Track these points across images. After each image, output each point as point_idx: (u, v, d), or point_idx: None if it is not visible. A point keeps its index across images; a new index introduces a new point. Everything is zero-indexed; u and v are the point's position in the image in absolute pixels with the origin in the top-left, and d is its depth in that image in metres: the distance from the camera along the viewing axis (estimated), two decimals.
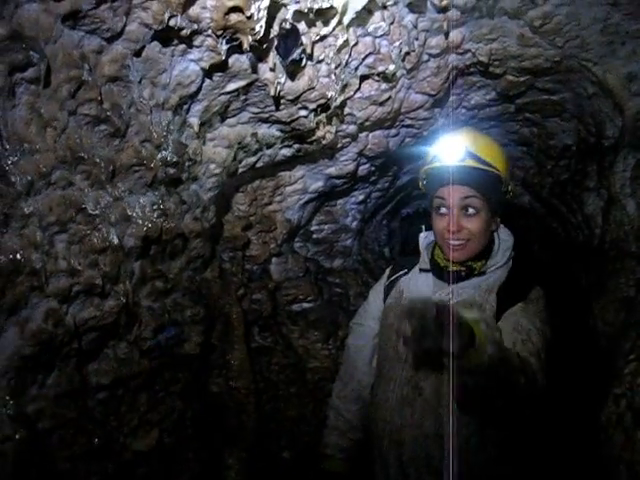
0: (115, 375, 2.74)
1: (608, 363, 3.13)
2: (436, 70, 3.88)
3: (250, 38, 2.41)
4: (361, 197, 5.58)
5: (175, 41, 2.35)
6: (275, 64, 2.73)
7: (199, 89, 2.69)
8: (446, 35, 3.52)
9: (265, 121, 3.31)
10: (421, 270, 2.61)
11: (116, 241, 2.51)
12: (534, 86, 4.35)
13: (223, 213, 3.93)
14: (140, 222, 2.68)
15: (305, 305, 4.95)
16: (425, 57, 3.73)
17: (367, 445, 2.66)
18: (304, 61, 2.93)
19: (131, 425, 2.93)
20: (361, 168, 4.76)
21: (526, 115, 4.99)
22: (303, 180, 4.47)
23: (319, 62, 3.01)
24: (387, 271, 2.83)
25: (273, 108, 3.12)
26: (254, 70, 2.75)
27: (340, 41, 2.97)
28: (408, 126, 4.48)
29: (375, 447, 2.53)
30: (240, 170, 3.67)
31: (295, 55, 2.72)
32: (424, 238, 2.67)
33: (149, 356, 2.98)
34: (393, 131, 4.49)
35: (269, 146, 3.61)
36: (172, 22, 2.22)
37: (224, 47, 2.48)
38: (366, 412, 2.69)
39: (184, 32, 2.31)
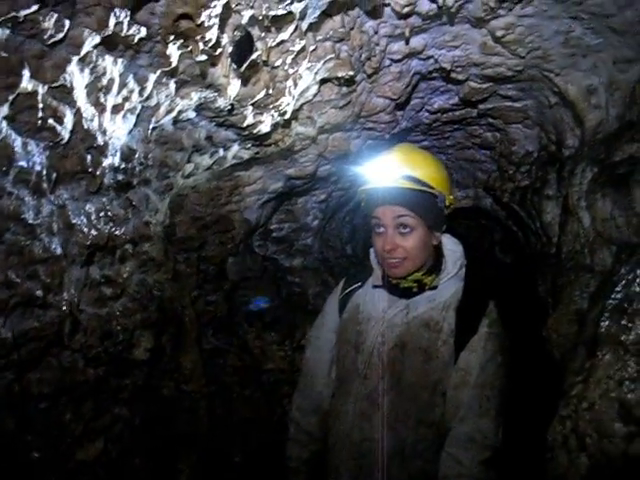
0: (58, 384, 2.65)
1: (559, 378, 3.11)
2: (398, 75, 3.82)
3: (201, 45, 2.33)
4: (322, 196, 5.52)
5: (122, 46, 2.25)
6: (229, 70, 2.65)
7: (150, 94, 2.59)
8: (407, 41, 3.46)
9: (220, 125, 3.22)
10: (374, 286, 2.57)
11: (59, 251, 2.42)
12: (497, 93, 4.33)
13: (177, 214, 3.85)
14: (85, 230, 2.59)
15: (262, 305, 4.88)
16: (387, 62, 3.67)
17: (325, 455, 2.62)
18: (260, 67, 2.85)
19: (75, 434, 2.85)
20: (321, 169, 4.69)
21: (489, 120, 4.97)
22: (262, 180, 4.39)
23: (275, 67, 2.94)
24: (341, 283, 2.78)
25: (228, 112, 3.03)
26: (207, 76, 2.66)
27: (298, 47, 2.90)
28: (370, 129, 4.42)
29: (333, 458, 2.49)
30: (195, 172, 3.58)
31: (250, 61, 2.64)
32: (374, 254, 2.62)
33: (95, 364, 2.90)
34: (354, 134, 4.42)
35: (225, 149, 3.53)
36: (118, 27, 2.13)
37: (175, 53, 2.40)
38: (326, 423, 2.66)
39: (132, 38, 2.21)
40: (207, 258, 4.33)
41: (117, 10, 2.07)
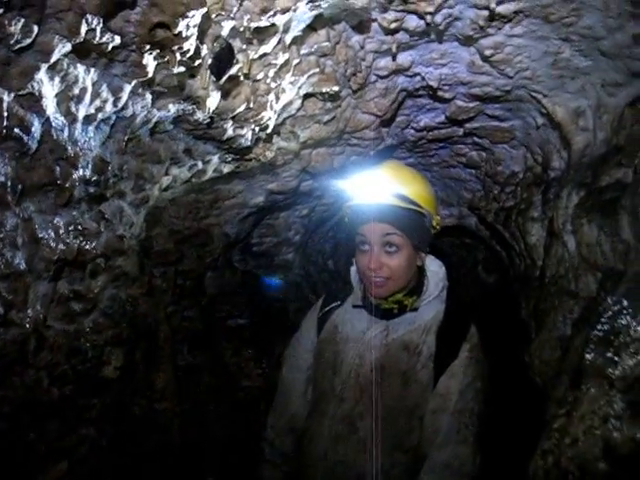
0: (21, 403, 2.53)
1: (541, 407, 3.02)
2: (384, 91, 3.73)
3: (179, 55, 2.22)
4: (305, 211, 5.42)
5: (95, 55, 2.14)
6: (208, 82, 2.54)
7: (125, 105, 2.48)
8: (394, 58, 3.37)
9: (199, 138, 3.11)
10: (354, 306, 2.48)
11: (23, 266, 2.30)
12: (484, 112, 4.25)
13: (154, 228, 3.72)
14: (52, 244, 2.46)
15: (240, 321, 4.77)
16: (373, 78, 3.58)
17: (299, 477, 2.53)
18: (241, 79, 2.74)
19: (39, 455, 2.72)
20: (304, 184, 4.59)
21: (475, 139, 4.89)
22: (243, 195, 4.28)
23: (257, 81, 2.83)
24: (319, 302, 2.70)
25: (207, 126, 2.92)
26: (185, 87, 2.55)
27: (281, 60, 2.80)
28: (354, 145, 4.32)
29: (307, 478, 2.40)
30: (174, 185, 3.47)
31: (230, 73, 2.53)
32: (356, 272, 2.53)
33: (60, 382, 2.77)
34: (338, 149, 4.32)
35: (205, 162, 3.42)
36: (90, 34, 2.01)
37: (151, 63, 2.29)
38: (300, 444, 2.56)
39: (105, 46, 2.10)
40: (184, 272, 4.20)
41: (89, 17, 1.96)
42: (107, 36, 2.08)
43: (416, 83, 3.80)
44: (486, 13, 2.91)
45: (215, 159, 3.44)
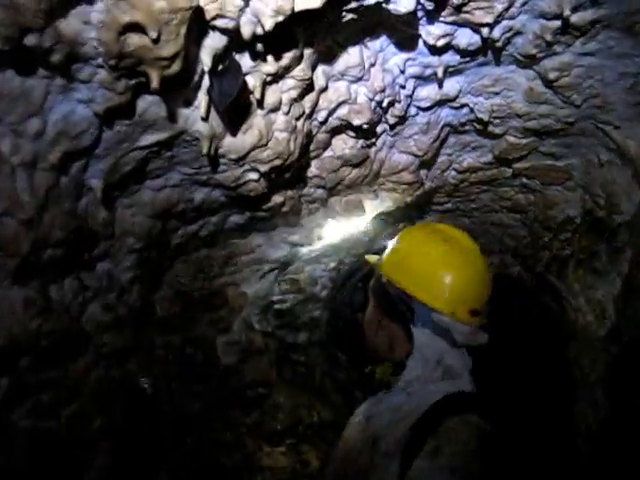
0: None
1: None
2: (425, 127, 3.11)
3: (162, 72, 1.57)
4: (332, 264, 4.76)
5: (43, 71, 1.52)
6: (208, 112, 1.90)
7: (97, 141, 1.85)
8: (440, 84, 2.73)
9: (203, 184, 2.47)
10: None
11: None
12: (537, 150, 3.63)
13: (153, 292, 3.07)
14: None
15: (261, 391, 4.07)
16: (413, 110, 2.95)
17: None
18: (252, 108, 2.10)
19: None
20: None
21: (524, 181, 4.26)
22: (262, 249, 3.65)
23: (273, 111, 2.18)
24: None
25: (210, 169, 2.28)
26: (176, 119, 1.92)
27: (302, 84, 2.15)
28: (389, 190, 3.66)
29: None
30: (175, 241, 2.83)
31: (236, 100, 1.88)
32: None
33: None
34: (370, 195, 3.67)
35: (212, 213, 2.78)
36: (30, 40, 1.38)
37: (127, 84, 1.65)
38: None
39: (55, 58, 1.47)
40: (194, 340, 3.54)
41: (26, 15, 1.32)
42: (59, 44, 1.44)
43: (463, 116, 3.18)
44: (557, 24, 2.32)
45: (225, 210, 2.81)
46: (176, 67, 1.58)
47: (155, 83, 1.57)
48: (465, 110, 3.10)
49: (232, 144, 2.15)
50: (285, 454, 3.97)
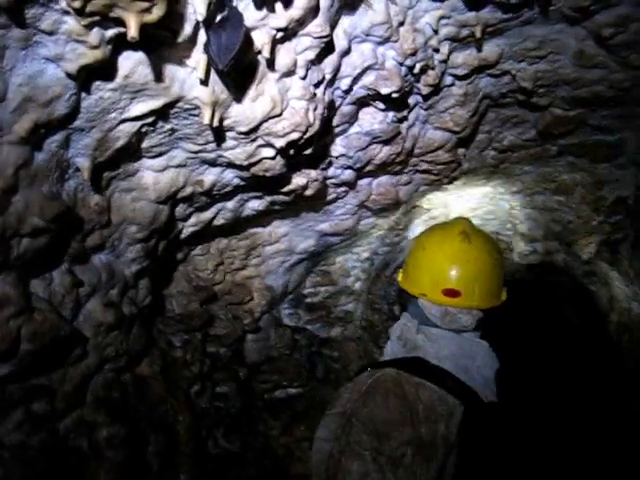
0: None
1: None
2: (462, 98, 2.77)
3: (141, 18, 1.26)
4: (365, 254, 4.43)
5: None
6: (208, 73, 1.59)
7: (75, 110, 1.55)
8: (478, 47, 2.39)
9: (212, 164, 2.16)
10: None
11: None
12: (586, 123, 3.25)
13: (166, 286, 2.78)
14: None
15: (291, 391, 3.77)
16: (448, 79, 2.61)
17: None
18: (261, 72, 1.78)
19: None
20: (363, 222, 3.61)
21: (569, 159, 3.86)
22: (288, 238, 3.33)
23: (287, 75, 1.86)
24: None
25: (218, 145, 1.97)
26: (170, 82, 1.61)
27: (320, 43, 1.83)
28: (424, 172, 3.32)
29: None
30: (187, 230, 2.53)
31: (240, 59, 1.56)
32: None
33: None
34: (404, 178, 3.34)
35: (227, 198, 2.47)
36: None
37: (101, 36, 1.35)
38: None
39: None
40: (217, 338, 3.24)
41: None
42: None
43: (503, 86, 2.84)
44: None
45: (241, 194, 2.50)
46: (158, 11, 1.27)
47: (133, 31, 1.26)
48: (506, 78, 2.76)
49: (240, 114, 1.83)
50: None
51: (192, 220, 2.51)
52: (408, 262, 1.79)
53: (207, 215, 2.55)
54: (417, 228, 4.93)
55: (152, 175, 2.04)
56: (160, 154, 1.97)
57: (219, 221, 2.65)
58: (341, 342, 4.62)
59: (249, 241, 3.17)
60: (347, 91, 2.23)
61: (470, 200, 4.75)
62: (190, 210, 2.42)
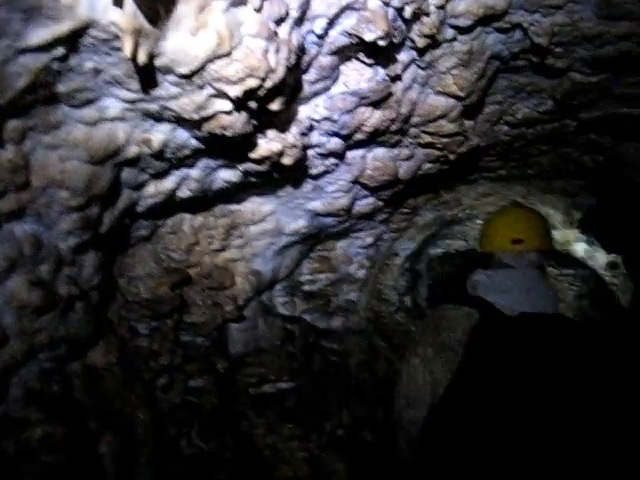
0: None
1: None
2: (467, 57, 2.38)
3: None
4: (369, 239, 4.06)
5: None
6: None
7: None
8: None
9: (159, 119, 1.79)
10: None
11: None
12: (610, 92, 2.84)
13: (126, 266, 2.43)
14: None
15: (281, 386, 3.41)
16: (449, 33, 2.23)
17: None
18: None
19: None
20: (360, 202, 3.24)
21: (591, 137, 3.46)
22: (274, 217, 2.97)
23: (237, 4, 1.49)
24: None
25: (157, 93, 1.61)
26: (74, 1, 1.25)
27: None
28: (427, 145, 2.94)
29: None
30: (146, 202, 2.18)
31: None
32: None
33: None
34: (405, 151, 2.96)
35: (188, 164, 2.11)
36: None
37: None
38: None
39: None
40: (192, 326, 2.89)
41: None
42: None
43: (515, 44, 2.44)
44: None
45: (204, 159, 2.13)
46: None
47: None
48: (517, 34, 2.36)
49: (178, 50, 1.46)
50: (308, 462, 3.30)
51: (150, 190, 2.15)
52: (483, 235, 2.38)
53: (167, 184, 2.19)
54: (426, 213, 4.57)
55: (82, 129, 1.67)
56: (87, 102, 1.61)
57: (184, 192, 2.29)
58: (342, 334, 4.26)
59: (229, 219, 2.81)
60: (322, 36, 1.85)
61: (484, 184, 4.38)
62: (144, 177, 2.06)
